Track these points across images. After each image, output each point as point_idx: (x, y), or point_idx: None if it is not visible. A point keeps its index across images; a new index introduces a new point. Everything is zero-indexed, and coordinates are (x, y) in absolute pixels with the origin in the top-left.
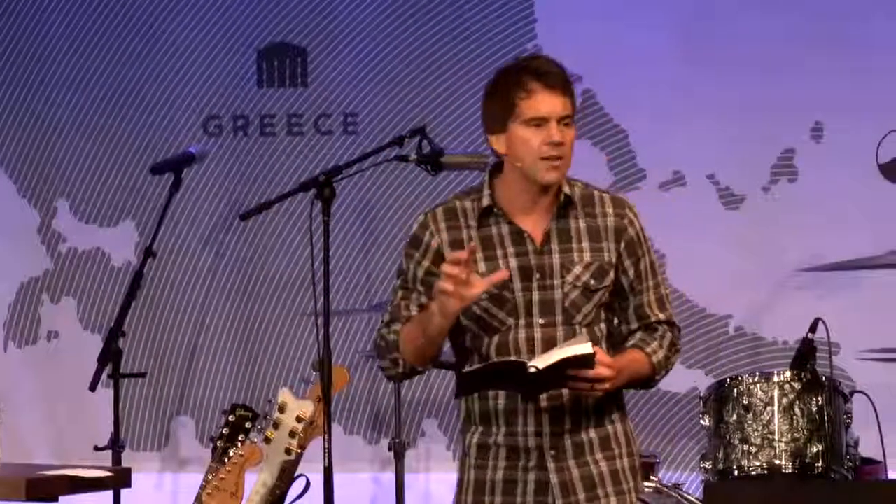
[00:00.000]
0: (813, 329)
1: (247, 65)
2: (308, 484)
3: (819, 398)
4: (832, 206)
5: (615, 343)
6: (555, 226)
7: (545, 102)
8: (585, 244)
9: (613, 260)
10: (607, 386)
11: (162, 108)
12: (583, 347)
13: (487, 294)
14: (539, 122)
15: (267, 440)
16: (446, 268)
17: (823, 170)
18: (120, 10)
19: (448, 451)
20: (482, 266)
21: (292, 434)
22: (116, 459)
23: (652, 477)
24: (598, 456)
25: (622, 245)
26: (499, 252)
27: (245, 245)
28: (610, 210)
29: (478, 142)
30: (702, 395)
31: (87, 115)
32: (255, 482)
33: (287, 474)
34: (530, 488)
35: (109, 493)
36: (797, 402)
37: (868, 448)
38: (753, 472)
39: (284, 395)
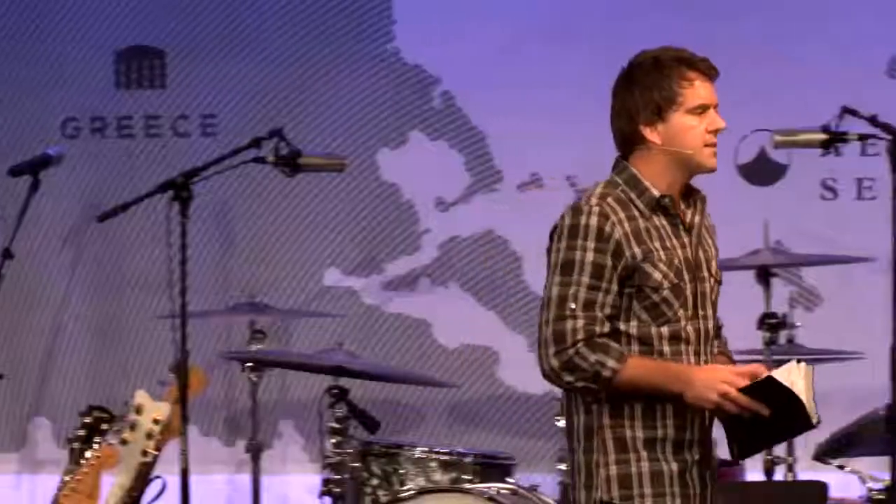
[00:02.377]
0: None
1: (104, 66)
2: (164, 486)
3: None
4: None
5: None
6: (696, 219)
7: (706, 90)
8: (709, 239)
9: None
10: None
11: (19, 111)
12: (812, 417)
13: (670, 283)
14: (702, 109)
15: (124, 442)
16: (739, 380)
17: None
18: None
19: (304, 453)
20: (662, 255)
21: (149, 436)
22: None
23: (508, 479)
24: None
25: (716, 249)
26: (669, 243)
27: (103, 246)
28: (704, 207)
29: (335, 143)
30: (558, 396)
31: None
32: (113, 484)
33: (143, 476)
34: (697, 482)
35: None
36: None
37: (726, 450)
38: None
39: (141, 397)
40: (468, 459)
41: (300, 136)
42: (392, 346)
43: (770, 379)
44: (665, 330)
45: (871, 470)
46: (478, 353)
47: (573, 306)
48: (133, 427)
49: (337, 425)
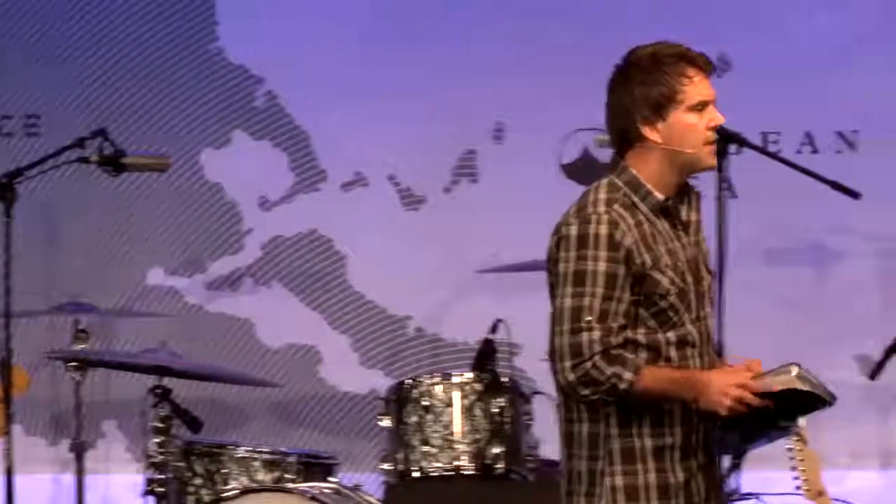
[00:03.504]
0: (493, 330)
1: None
2: None
3: (499, 399)
4: (514, 207)
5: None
6: (692, 217)
7: (705, 86)
8: (702, 236)
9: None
10: None
11: None
12: (824, 395)
13: (677, 289)
14: (702, 105)
15: None
16: (749, 381)
17: (505, 170)
18: None
19: (128, 452)
20: (668, 260)
21: None
22: None
23: (331, 478)
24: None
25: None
26: (672, 246)
27: None
28: (699, 204)
29: (159, 143)
30: (382, 396)
31: None
32: None
33: None
34: (701, 489)
35: None
36: (478, 404)
37: (550, 449)
38: (434, 474)
39: None
40: (291, 459)
41: (124, 137)
42: (215, 346)
43: (794, 390)
44: (672, 335)
45: None
46: (301, 352)
47: (589, 318)
48: None
49: (160, 425)
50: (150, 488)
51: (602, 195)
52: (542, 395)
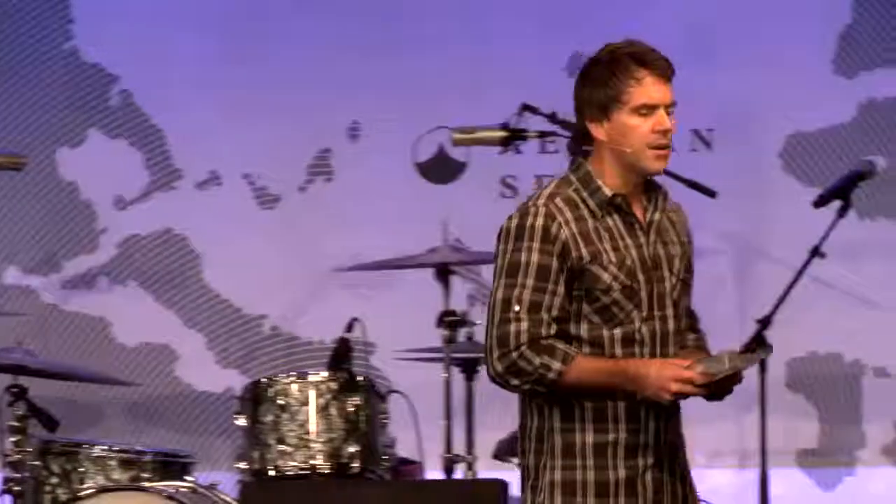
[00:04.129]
0: (349, 328)
1: None
2: None
3: (355, 398)
4: (370, 206)
5: None
6: (655, 217)
7: (655, 90)
8: (674, 237)
9: (689, 254)
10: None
11: None
12: (753, 357)
13: (621, 285)
14: (647, 109)
15: None
16: (688, 374)
17: (361, 169)
18: None
19: None
20: (612, 257)
21: None
22: None
23: (187, 477)
24: (681, 454)
25: (688, 240)
26: (621, 243)
27: None
28: (673, 205)
29: (14, 142)
30: (238, 395)
31: None
32: None
33: None
34: (649, 488)
35: None
36: (333, 403)
37: (406, 448)
38: (290, 473)
39: None
40: (147, 458)
41: None
42: (71, 345)
43: (730, 376)
44: (617, 332)
45: None
46: (156, 351)
47: (517, 309)
48: None
49: (16, 424)
50: (6, 487)
51: (549, 189)
52: (397, 394)
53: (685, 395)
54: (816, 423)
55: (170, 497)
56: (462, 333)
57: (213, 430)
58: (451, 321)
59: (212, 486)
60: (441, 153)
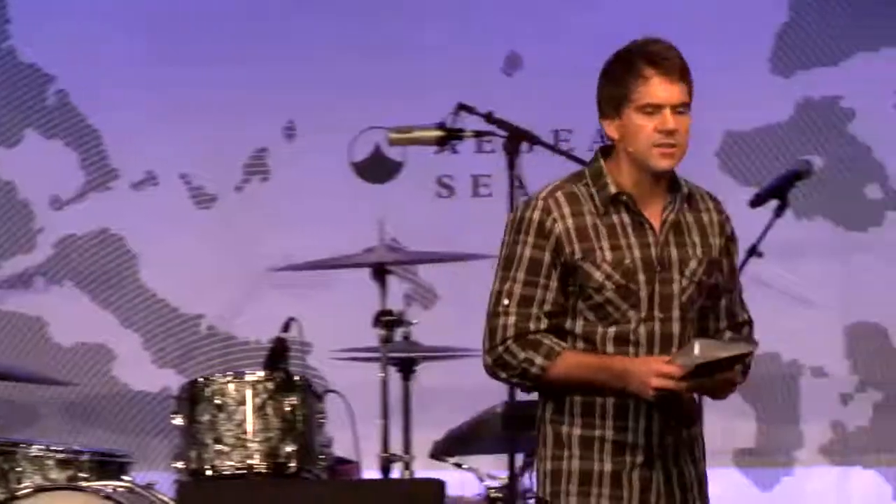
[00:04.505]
0: (286, 328)
1: None
2: None
3: (292, 398)
4: (306, 205)
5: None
6: (671, 217)
7: (661, 89)
8: (696, 238)
9: (719, 256)
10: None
11: None
12: (743, 346)
13: (615, 285)
14: (653, 108)
15: None
16: (676, 371)
17: (297, 168)
18: None
19: None
20: (608, 255)
21: None
22: None
23: (124, 476)
24: (687, 458)
25: (723, 241)
26: (623, 242)
27: None
28: (711, 205)
29: None
30: (174, 394)
31: None
32: None
33: None
34: (635, 486)
35: None
36: (270, 402)
37: (343, 448)
38: (227, 472)
39: None
40: (84, 457)
41: None
42: (7, 345)
43: (714, 368)
44: (611, 331)
45: (488, 468)
46: (93, 351)
47: (506, 302)
48: None
49: None
50: None
51: (556, 182)
52: (334, 394)
53: (672, 391)
54: (754, 422)
55: (107, 497)
56: (399, 333)
57: (150, 430)
58: (387, 321)
59: (149, 486)
60: (377, 153)
